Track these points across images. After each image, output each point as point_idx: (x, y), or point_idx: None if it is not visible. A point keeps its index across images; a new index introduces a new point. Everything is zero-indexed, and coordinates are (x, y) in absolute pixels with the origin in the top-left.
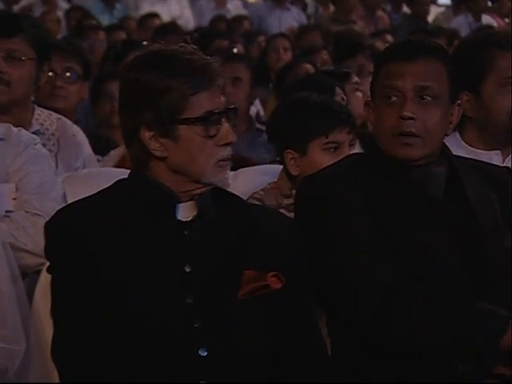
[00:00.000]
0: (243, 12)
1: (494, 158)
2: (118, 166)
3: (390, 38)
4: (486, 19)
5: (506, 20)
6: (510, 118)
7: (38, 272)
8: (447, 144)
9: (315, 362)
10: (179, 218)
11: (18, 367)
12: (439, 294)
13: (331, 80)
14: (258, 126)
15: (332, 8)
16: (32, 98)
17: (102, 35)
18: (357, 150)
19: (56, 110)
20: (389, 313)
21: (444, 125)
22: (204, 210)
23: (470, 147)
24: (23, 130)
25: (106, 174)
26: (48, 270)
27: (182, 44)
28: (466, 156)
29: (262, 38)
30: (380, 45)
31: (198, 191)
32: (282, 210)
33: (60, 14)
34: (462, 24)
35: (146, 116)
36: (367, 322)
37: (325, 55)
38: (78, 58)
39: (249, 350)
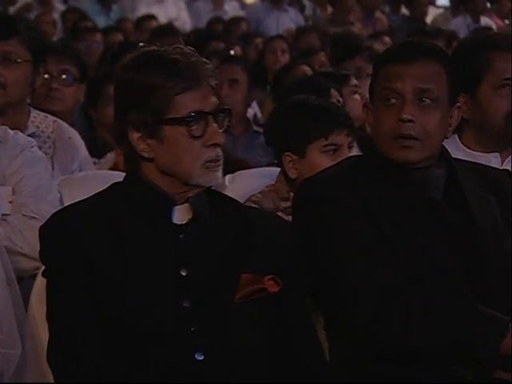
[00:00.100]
0: (240, 13)
1: (493, 160)
2: (114, 168)
3: (388, 39)
4: (485, 20)
5: (506, 21)
6: (506, 119)
7: (34, 276)
8: (446, 146)
9: (312, 366)
10: (175, 221)
11: (14, 371)
12: (439, 296)
13: (326, 82)
14: (255, 128)
15: (330, 9)
16: (28, 101)
17: (98, 37)
18: (355, 152)
19: (52, 113)
20: (388, 315)
21: (443, 127)
22: (199, 213)
23: (468, 150)
24: (20, 133)
25: (103, 177)
26: (43, 274)
27: (176, 45)
28: (465, 158)
29: (259, 40)
30: (378, 46)
31: (192, 193)
32: (279, 213)
33: (56, 15)
34: (460, 25)
35: (133, 117)
36: (367, 323)
37: (322, 57)
38: (75, 60)
39: (246, 354)
